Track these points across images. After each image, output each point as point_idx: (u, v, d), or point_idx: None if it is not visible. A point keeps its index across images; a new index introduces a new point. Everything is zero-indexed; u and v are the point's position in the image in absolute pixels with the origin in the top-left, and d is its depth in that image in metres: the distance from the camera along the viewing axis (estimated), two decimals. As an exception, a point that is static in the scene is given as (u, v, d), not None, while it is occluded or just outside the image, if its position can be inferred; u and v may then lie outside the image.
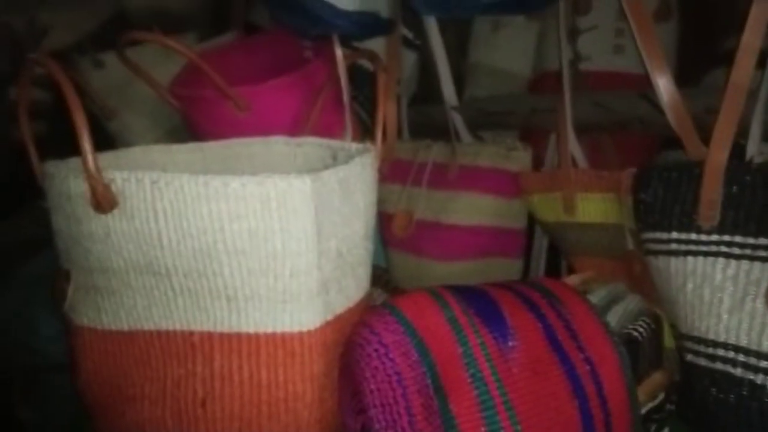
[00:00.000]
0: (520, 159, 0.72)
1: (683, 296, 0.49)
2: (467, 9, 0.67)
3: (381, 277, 0.68)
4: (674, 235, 0.49)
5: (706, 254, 0.48)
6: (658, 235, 0.51)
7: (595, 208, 0.63)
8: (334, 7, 0.66)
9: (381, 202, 0.56)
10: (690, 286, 0.48)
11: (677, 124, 0.53)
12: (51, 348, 0.81)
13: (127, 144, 0.80)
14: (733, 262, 0.47)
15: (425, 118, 0.86)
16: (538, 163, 0.74)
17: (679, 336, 0.51)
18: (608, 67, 0.84)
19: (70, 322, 0.49)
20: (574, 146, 0.67)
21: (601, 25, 0.84)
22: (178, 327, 0.45)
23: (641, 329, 0.50)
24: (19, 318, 0.82)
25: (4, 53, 0.90)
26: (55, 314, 0.51)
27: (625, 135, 0.75)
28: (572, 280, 0.54)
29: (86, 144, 0.43)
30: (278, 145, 0.64)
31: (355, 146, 0.59)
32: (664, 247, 0.50)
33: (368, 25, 0.69)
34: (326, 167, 0.56)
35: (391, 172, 0.79)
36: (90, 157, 0.43)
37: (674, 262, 0.50)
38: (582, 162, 0.68)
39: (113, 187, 0.43)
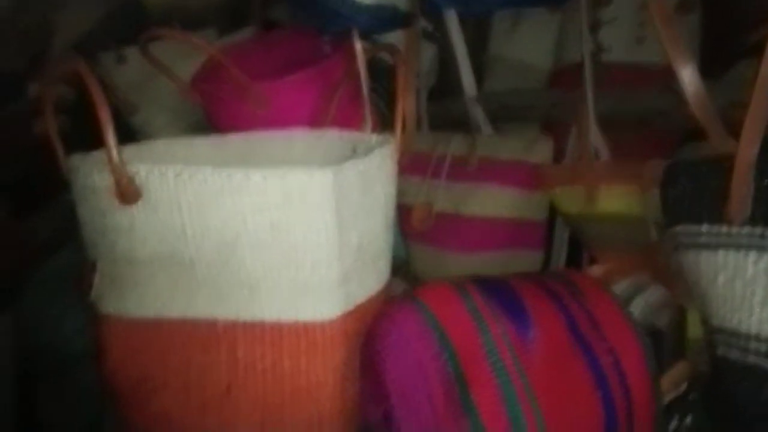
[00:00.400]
0: (541, 151, 0.72)
1: (714, 289, 0.49)
2: (486, 3, 0.66)
3: (400, 268, 0.68)
4: (704, 228, 0.49)
5: (737, 247, 0.47)
6: (688, 228, 0.50)
7: (617, 200, 0.63)
8: (353, 2, 0.67)
9: (400, 194, 0.56)
10: (721, 279, 0.48)
11: (702, 115, 0.52)
12: (75, 341, 0.82)
13: (148, 139, 0.81)
14: (765, 255, 0.46)
15: (444, 111, 0.85)
16: (559, 155, 0.73)
17: (710, 329, 0.50)
18: (630, 59, 0.83)
19: (95, 312, 0.50)
20: (596, 138, 0.67)
21: (622, 17, 0.83)
22: (202, 316, 0.46)
23: (665, 320, 0.49)
24: (44, 312, 0.83)
25: (19, 50, 0.91)
26: (81, 305, 0.52)
27: (647, 128, 0.74)
28: (595, 271, 0.54)
29: (110, 138, 0.44)
30: (298, 138, 0.65)
31: (374, 138, 0.60)
32: (694, 240, 0.50)
33: (387, 19, 0.69)
34: (346, 160, 0.56)
35: (410, 165, 0.79)
36: (114, 151, 0.43)
37: (705, 256, 0.49)
38: (604, 154, 0.67)
39: (137, 180, 0.44)
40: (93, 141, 0.48)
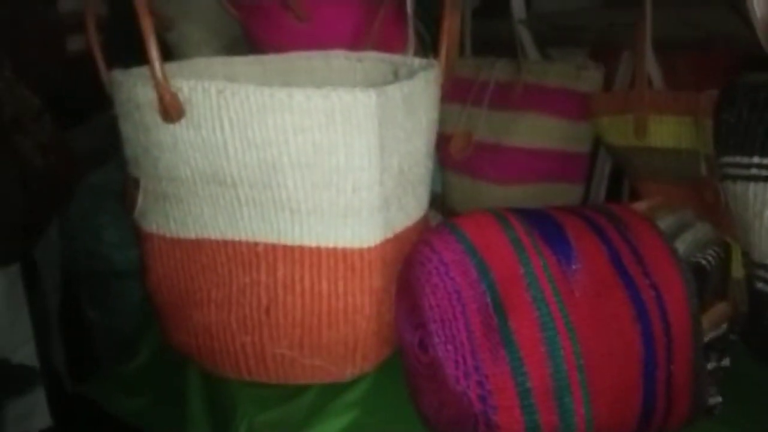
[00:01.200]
0: (590, 79, 0.69)
1: (759, 223, 0.48)
2: None
3: (435, 201, 0.67)
4: (756, 159, 0.47)
5: None
6: (739, 159, 0.48)
7: (668, 131, 0.60)
8: None
9: (439, 122, 0.55)
10: (768, 213, 0.47)
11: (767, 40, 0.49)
12: (115, 254, 0.85)
13: (184, 56, 0.80)
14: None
15: (489, 33, 0.82)
16: (608, 83, 0.70)
17: (751, 264, 0.50)
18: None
19: (140, 229, 0.50)
20: (650, 65, 0.63)
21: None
22: (243, 237, 0.46)
23: (709, 258, 0.48)
24: (86, 225, 0.86)
25: None
26: (125, 221, 0.53)
27: (704, 55, 0.70)
28: (640, 206, 0.52)
29: (154, 52, 0.43)
30: (338, 59, 0.63)
31: (417, 61, 0.58)
32: (744, 171, 0.48)
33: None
34: (387, 83, 0.54)
35: (450, 91, 0.76)
36: (158, 65, 0.43)
37: (753, 188, 0.48)
38: (658, 82, 0.64)
39: (180, 96, 0.43)
40: (130, 59, 0.48)
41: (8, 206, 0.57)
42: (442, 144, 0.77)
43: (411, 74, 0.56)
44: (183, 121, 0.44)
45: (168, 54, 0.87)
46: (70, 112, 0.89)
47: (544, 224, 0.45)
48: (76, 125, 0.90)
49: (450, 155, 0.76)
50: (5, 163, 0.58)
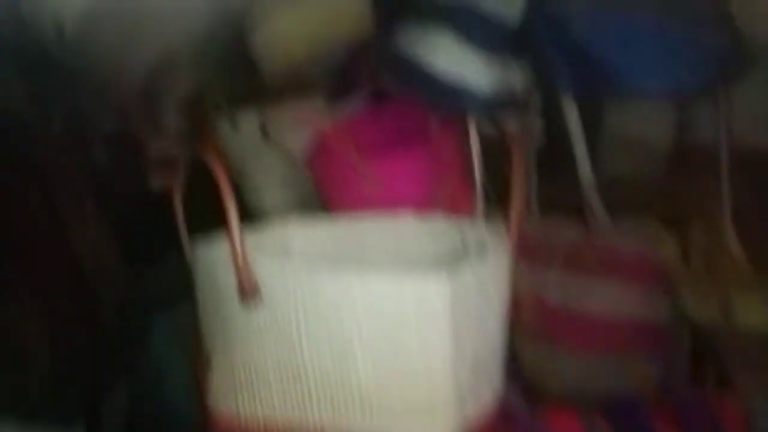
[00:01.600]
0: (666, 246, 0.67)
1: None
2: (612, 89, 0.64)
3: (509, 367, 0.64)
4: None
5: None
6: None
7: (757, 311, 0.57)
8: (471, 85, 0.66)
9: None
10: None
11: None
12: (180, 404, 0.83)
13: (260, 209, 0.83)
14: None
15: (555, 194, 0.82)
16: (684, 253, 0.67)
17: None
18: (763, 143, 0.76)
19: (208, 407, 0.49)
20: (730, 236, 0.61)
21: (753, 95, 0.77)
22: (311, 426, 0.45)
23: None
24: (152, 374, 0.85)
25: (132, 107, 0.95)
26: (192, 369, 0.52)
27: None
28: (735, 397, 0.48)
29: (237, 239, 0.44)
30: (407, 221, 0.64)
31: (485, 227, 0.58)
32: None
33: (503, 103, 0.68)
34: (455, 247, 0.54)
35: (518, 252, 0.76)
36: (240, 251, 0.44)
37: None
38: (739, 255, 0.61)
39: (258, 280, 0.44)
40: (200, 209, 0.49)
41: (79, 365, 0.57)
42: (513, 308, 0.74)
43: (480, 241, 0.56)
44: (259, 303, 0.44)
45: (240, 202, 0.91)
46: (142, 250, 0.91)
47: (634, 428, 0.42)
48: (150, 264, 0.92)
49: (520, 320, 0.73)
50: (81, 324, 0.59)
